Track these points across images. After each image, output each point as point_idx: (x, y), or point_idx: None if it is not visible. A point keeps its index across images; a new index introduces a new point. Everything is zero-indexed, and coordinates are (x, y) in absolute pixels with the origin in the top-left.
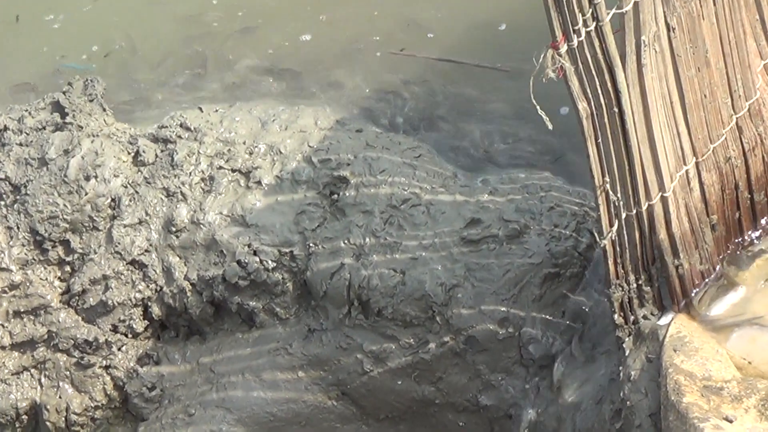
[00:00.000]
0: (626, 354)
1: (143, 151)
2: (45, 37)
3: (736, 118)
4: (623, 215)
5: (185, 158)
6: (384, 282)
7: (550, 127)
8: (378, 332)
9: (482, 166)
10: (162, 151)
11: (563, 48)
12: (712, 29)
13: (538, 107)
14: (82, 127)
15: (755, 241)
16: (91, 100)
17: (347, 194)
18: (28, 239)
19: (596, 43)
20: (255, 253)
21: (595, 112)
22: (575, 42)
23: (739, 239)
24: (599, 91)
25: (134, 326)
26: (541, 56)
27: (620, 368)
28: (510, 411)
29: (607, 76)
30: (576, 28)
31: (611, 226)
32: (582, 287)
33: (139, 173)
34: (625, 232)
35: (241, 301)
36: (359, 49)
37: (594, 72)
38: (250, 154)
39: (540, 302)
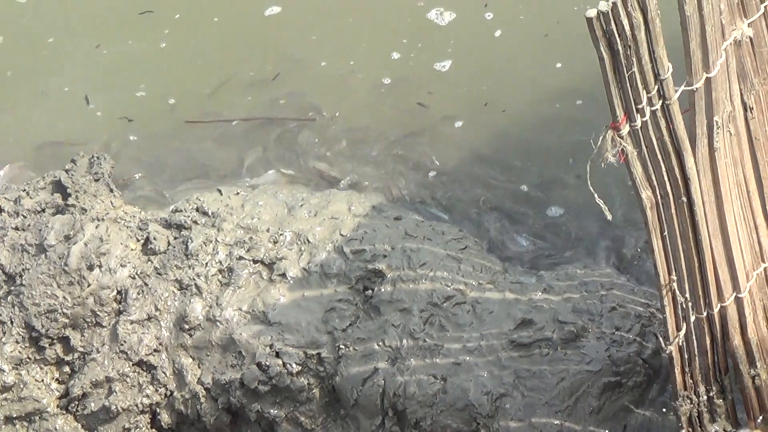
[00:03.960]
0: None
1: (154, 238)
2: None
3: None
4: (692, 318)
5: (201, 247)
6: (422, 390)
7: (609, 217)
8: None
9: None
10: (175, 238)
11: (625, 129)
12: None
13: (596, 195)
14: (85, 210)
15: None
16: (96, 180)
17: (383, 290)
18: (22, 335)
19: (662, 124)
20: (278, 355)
21: (660, 202)
22: (638, 122)
23: None
24: (665, 178)
25: None
26: (600, 138)
27: None
28: None
29: (674, 162)
30: (640, 106)
31: (678, 330)
32: (647, 399)
33: (149, 263)
34: (694, 338)
35: (261, 408)
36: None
37: (660, 156)
38: (275, 242)
39: (599, 415)
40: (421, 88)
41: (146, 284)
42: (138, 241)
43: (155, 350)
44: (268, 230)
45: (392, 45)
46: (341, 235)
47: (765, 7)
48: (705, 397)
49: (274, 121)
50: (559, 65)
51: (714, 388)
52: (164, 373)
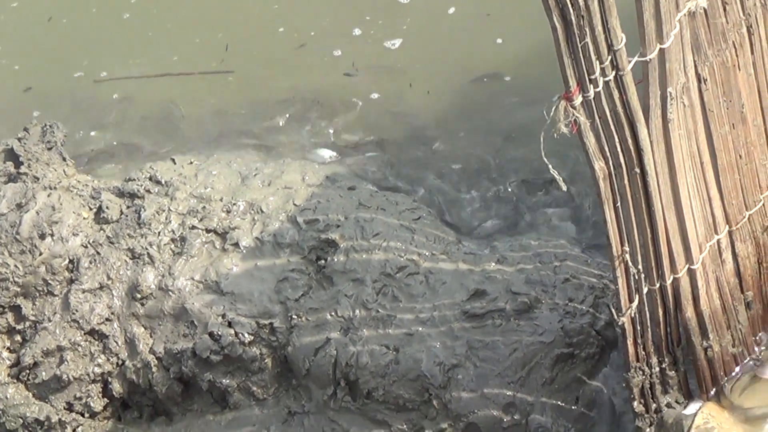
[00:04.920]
0: None
1: (107, 207)
2: None
3: None
4: (645, 290)
5: (154, 216)
6: (375, 360)
7: (564, 188)
8: (367, 417)
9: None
10: (128, 207)
11: (578, 99)
12: (749, 81)
13: (550, 166)
14: (38, 179)
15: None
16: (49, 149)
17: (336, 260)
18: None
19: (616, 95)
20: (230, 325)
21: (613, 173)
22: (591, 93)
23: None
24: (619, 149)
25: (92, 405)
26: (553, 108)
27: None
28: None
29: (627, 132)
30: (593, 77)
31: (631, 301)
32: (599, 370)
33: (102, 232)
34: (646, 309)
35: (213, 378)
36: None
37: (613, 127)
38: (228, 212)
39: (551, 386)
40: (364, 63)
41: (98, 253)
42: (90, 209)
43: (107, 319)
44: (221, 200)
45: (356, 22)
46: (294, 204)
47: None
48: (657, 369)
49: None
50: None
51: (666, 360)
52: (116, 342)
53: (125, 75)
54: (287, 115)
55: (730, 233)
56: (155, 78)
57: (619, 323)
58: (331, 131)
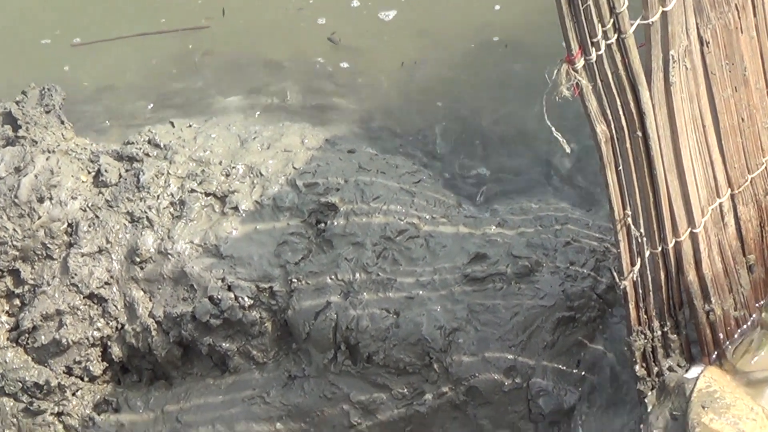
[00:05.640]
0: (648, 410)
1: (105, 171)
2: None
3: None
4: (647, 253)
5: (153, 179)
6: (375, 324)
7: (568, 150)
8: (367, 380)
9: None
10: (127, 170)
11: (579, 63)
12: (751, 44)
13: (553, 129)
14: (36, 142)
15: None
16: (47, 111)
17: (336, 223)
18: None
19: (618, 58)
20: (229, 289)
21: (615, 136)
22: (594, 56)
23: None
24: (621, 112)
25: (91, 368)
26: (555, 72)
27: (641, 426)
28: None
29: (629, 96)
30: (595, 40)
31: (633, 265)
32: (600, 334)
33: (100, 195)
34: (648, 273)
35: (212, 342)
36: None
37: (615, 90)
38: (227, 175)
39: (552, 350)
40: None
41: (97, 217)
42: (89, 173)
43: (106, 283)
44: (220, 163)
45: None
46: (294, 168)
47: None
48: (659, 333)
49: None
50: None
51: (668, 324)
52: (115, 306)
53: (102, 38)
54: (271, 77)
55: (732, 196)
56: (140, 39)
57: (621, 287)
58: (324, 96)
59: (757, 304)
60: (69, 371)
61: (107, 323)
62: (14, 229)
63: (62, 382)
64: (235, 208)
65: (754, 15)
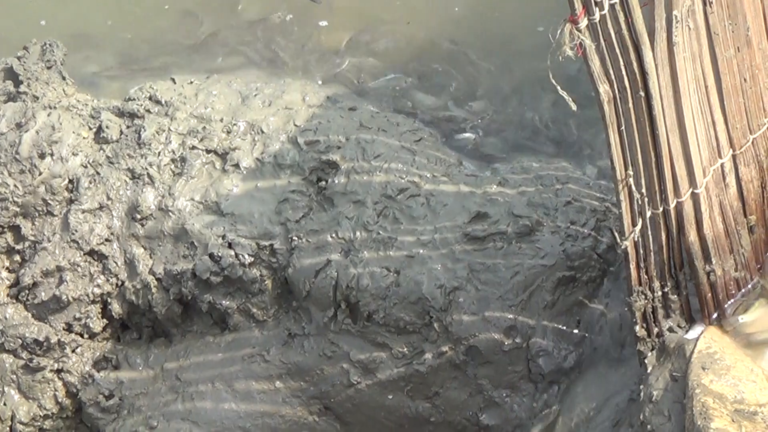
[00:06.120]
0: (648, 371)
1: (107, 127)
2: None
3: None
4: (648, 213)
5: (154, 136)
6: (375, 282)
7: (574, 108)
8: (367, 339)
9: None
10: (128, 127)
11: (583, 22)
12: (754, 4)
13: (558, 87)
14: (37, 98)
15: None
16: (49, 67)
17: (336, 181)
18: None
19: (621, 18)
20: (230, 246)
21: (618, 96)
22: (597, 16)
23: None
24: (623, 72)
25: (91, 325)
26: (558, 31)
27: (641, 387)
28: None
29: (632, 56)
30: (598, 0)
31: (634, 225)
32: (601, 294)
33: (101, 152)
34: (649, 233)
35: (212, 299)
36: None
37: (618, 50)
38: (228, 132)
39: (552, 310)
40: None
41: (98, 173)
42: (90, 129)
43: (107, 240)
44: (221, 120)
45: None
46: (295, 125)
47: None
48: (659, 293)
49: None
50: None
51: (669, 284)
52: (115, 262)
53: None
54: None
55: (733, 157)
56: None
57: (622, 247)
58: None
59: (758, 265)
60: (69, 328)
61: (107, 280)
62: (15, 185)
63: (62, 339)
64: (236, 166)
65: None
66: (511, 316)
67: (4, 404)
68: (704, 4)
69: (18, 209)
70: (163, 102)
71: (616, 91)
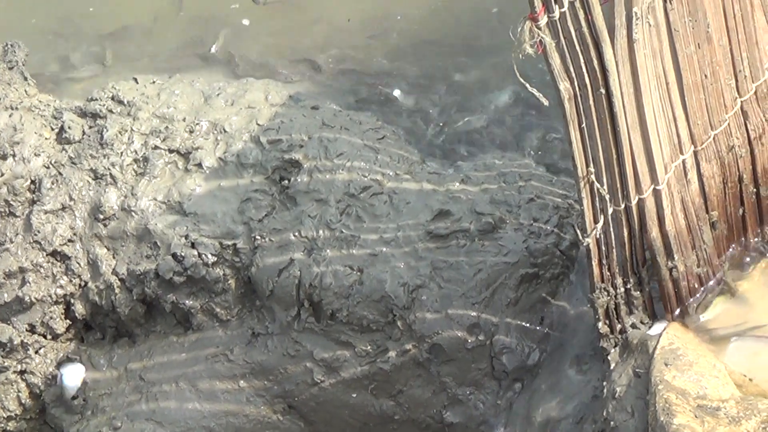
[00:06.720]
0: (611, 367)
1: (69, 127)
2: None
3: (741, 102)
4: (610, 210)
5: (116, 136)
6: (338, 281)
7: (546, 103)
8: (330, 338)
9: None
10: (90, 127)
11: (543, 20)
12: (714, 1)
13: (528, 85)
14: None
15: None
16: (10, 68)
17: (299, 180)
18: None
19: (581, 15)
20: (193, 246)
21: (579, 93)
22: (557, 13)
23: (743, 239)
24: (584, 70)
25: (54, 326)
26: (518, 29)
27: (604, 384)
28: (479, 430)
29: (593, 53)
30: None
31: (596, 222)
32: (564, 291)
33: (64, 152)
34: (611, 230)
35: (176, 299)
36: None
37: (578, 48)
38: (191, 132)
39: (515, 307)
40: None
41: (60, 174)
42: (52, 129)
43: (69, 240)
44: (184, 120)
45: None
46: (258, 124)
47: None
48: (622, 290)
49: None
50: None
51: (631, 280)
52: (78, 263)
53: None
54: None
55: (695, 153)
56: None
57: (585, 244)
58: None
59: (720, 261)
60: (32, 329)
61: (70, 281)
62: None
63: (25, 340)
64: (199, 165)
65: None
66: (474, 313)
67: None
68: (664, 0)
69: None
70: (126, 102)
71: (577, 89)
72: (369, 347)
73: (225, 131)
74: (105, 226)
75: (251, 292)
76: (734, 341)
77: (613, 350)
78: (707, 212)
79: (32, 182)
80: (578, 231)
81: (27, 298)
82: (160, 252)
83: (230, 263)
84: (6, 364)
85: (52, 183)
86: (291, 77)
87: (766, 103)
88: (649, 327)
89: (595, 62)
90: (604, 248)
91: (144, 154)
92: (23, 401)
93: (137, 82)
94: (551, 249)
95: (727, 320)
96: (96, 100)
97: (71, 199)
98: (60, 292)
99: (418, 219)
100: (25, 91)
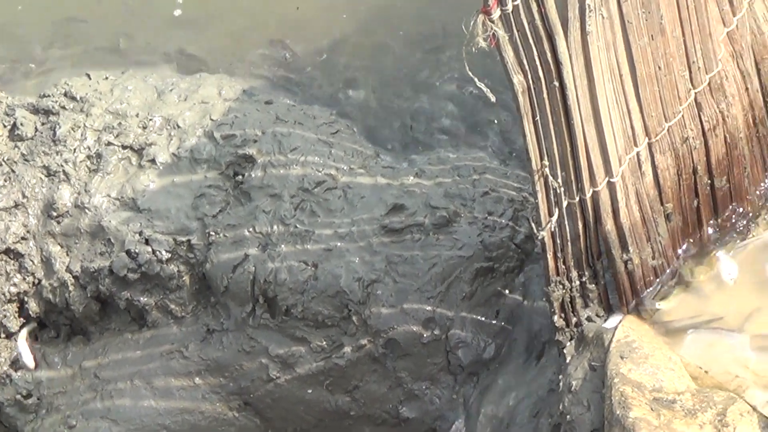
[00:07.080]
0: (567, 361)
1: (21, 124)
2: None
3: (695, 94)
4: (564, 203)
5: (69, 132)
6: (293, 276)
7: (493, 99)
8: (286, 334)
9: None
10: (43, 123)
11: (496, 13)
12: None
13: (476, 80)
14: None
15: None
16: None
17: (253, 175)
18: None
19: (534, 8)
20: (147, 242)
21: (532, 86)
22: (510, 6)
23: (698, 231)
24: (537, 63)
25: (8, 325)
26: (471, 23)
27: (560, 377)
28: (435, 424)
29: (546, 46)
30: None
31: (550, 215)
32: (519, 284)
33: (16, 149)
34: (566, 223)
35: (130, 296)
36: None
37: (531, 41)
38: (144, 128)
39: (471, 301)
40: None
41: (13, 171)
42: (5, 126)
43: (22, 238)
44: (137, 115)
45: None
46: (211, 119)
47: None
48: (577, 283)
49: None
50: None
51: (586, 274)
52: (32, 261)
53: None
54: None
55: (649, 145)
56: None
57: (539, 237)
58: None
59: (675, 253)
60: None
61: (24, 278)
62: None
63: None
64: (152, 161)
65: None
66: (429, 308)
67: None
68: None
69: None
70: (78, 98)
71: (531, 82)
72: (324, 343)
73: (178, 127)
74: (58, 223)
75: (206, 289)
76: (690, 333)
77: (568, 344)
78: (662, 204)
79: None
80: (533, 224)
81: None
82: (114, 249)
83: (185, 259)
84: None
85: (5, 180)
86: (245, 71)
87: (720, 95)
88: (605, 320)
89: (549, 55)
90: (559, 241)
91: (97, 150)
92: None
93: (90, 78)
94: (506, 242)
95: (684, 312)
96: (48, 96)
97: (24, 196)
98: (13, 290)
99: (372, 213)
100: None
